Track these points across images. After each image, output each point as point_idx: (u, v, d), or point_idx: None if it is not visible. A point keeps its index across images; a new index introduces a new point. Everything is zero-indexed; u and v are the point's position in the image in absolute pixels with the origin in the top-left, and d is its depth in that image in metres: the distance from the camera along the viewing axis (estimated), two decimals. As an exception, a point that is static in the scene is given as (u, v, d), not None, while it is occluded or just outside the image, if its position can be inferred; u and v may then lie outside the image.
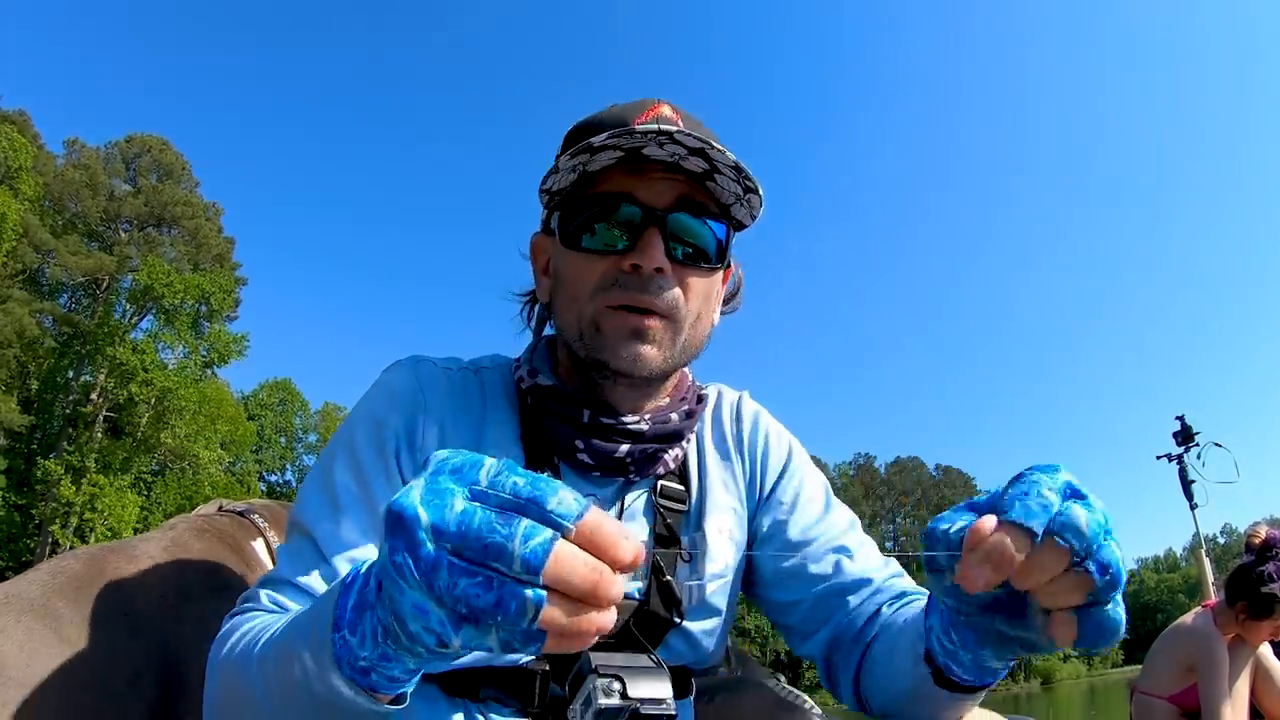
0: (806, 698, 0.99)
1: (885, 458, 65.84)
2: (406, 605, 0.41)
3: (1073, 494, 0.51)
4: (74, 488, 24.18)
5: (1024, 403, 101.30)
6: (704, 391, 0.95)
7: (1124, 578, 0.49)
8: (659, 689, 0.63)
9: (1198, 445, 4.52)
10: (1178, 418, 4.67)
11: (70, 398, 26.66)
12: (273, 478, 41.81)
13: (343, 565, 0.74)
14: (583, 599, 0.40)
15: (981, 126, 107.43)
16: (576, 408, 0.82)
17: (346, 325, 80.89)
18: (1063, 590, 0.49)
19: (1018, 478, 0.52)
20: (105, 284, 27.22)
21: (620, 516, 0.86)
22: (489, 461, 0.43)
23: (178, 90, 62.28)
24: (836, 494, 0.99)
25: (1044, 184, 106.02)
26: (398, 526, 0.41)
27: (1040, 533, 0.48)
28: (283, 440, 41.25)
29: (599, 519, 0.41)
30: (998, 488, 0.53)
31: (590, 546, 0.40)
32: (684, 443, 0.89)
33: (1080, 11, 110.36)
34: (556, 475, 0.83)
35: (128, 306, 27.22)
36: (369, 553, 0.76)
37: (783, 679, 1.27)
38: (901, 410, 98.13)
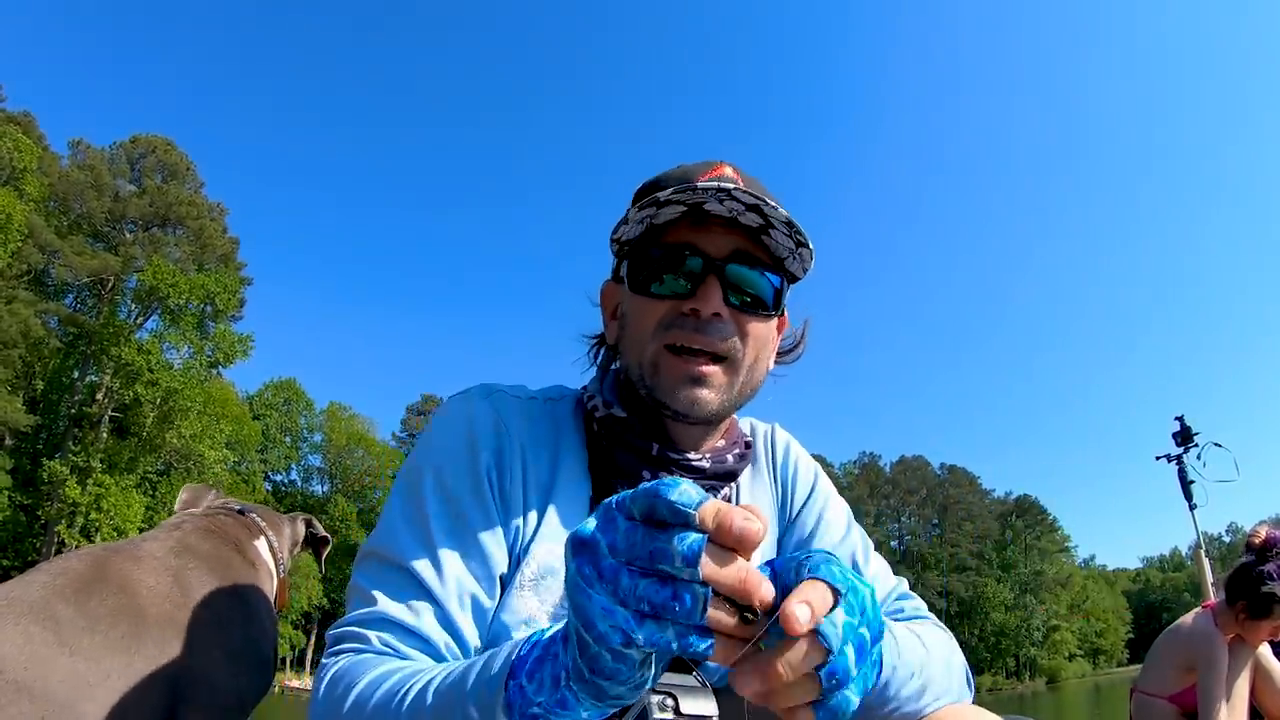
0: None
1: (890, 457, 65.66)
2: (595, 608, 0.47)
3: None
4: (79, 488, 24.27)
5: (1026, 403, 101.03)
6: (749, 438, 1.00)
7: (852, 674, 0.47)
8: (707, 706, 0.67)
9: (1197, 445, 4.53)
10: (1177, 418, 4.68)
11: (75, 398, 26.76)
12: (278, 477, 41.92)
13: (453, 604, 0.77)
14: (733, 591, 0.45)
15: (981, 124, 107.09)
16: (646, 441, 0.88)
17: (351, 325, 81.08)
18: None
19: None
20: (110, 284, 27.32)
21: None
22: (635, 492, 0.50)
23: (182, 91, 62.48)
24: (841, 493, 1.07)
25: (1047, 185, 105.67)
26: (582, 547, 0.48)
27: None
28: (288, 440, 41.35)
29: (719, 507, 0.46)
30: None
31: (720, 534, 0.45)
32: (735, 482, 0.95)
33: (1071, 9, 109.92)
34: None
35: (133, 306, 27.33)
36: (474, 587, 0.79)
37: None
38: (906, 409, 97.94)
